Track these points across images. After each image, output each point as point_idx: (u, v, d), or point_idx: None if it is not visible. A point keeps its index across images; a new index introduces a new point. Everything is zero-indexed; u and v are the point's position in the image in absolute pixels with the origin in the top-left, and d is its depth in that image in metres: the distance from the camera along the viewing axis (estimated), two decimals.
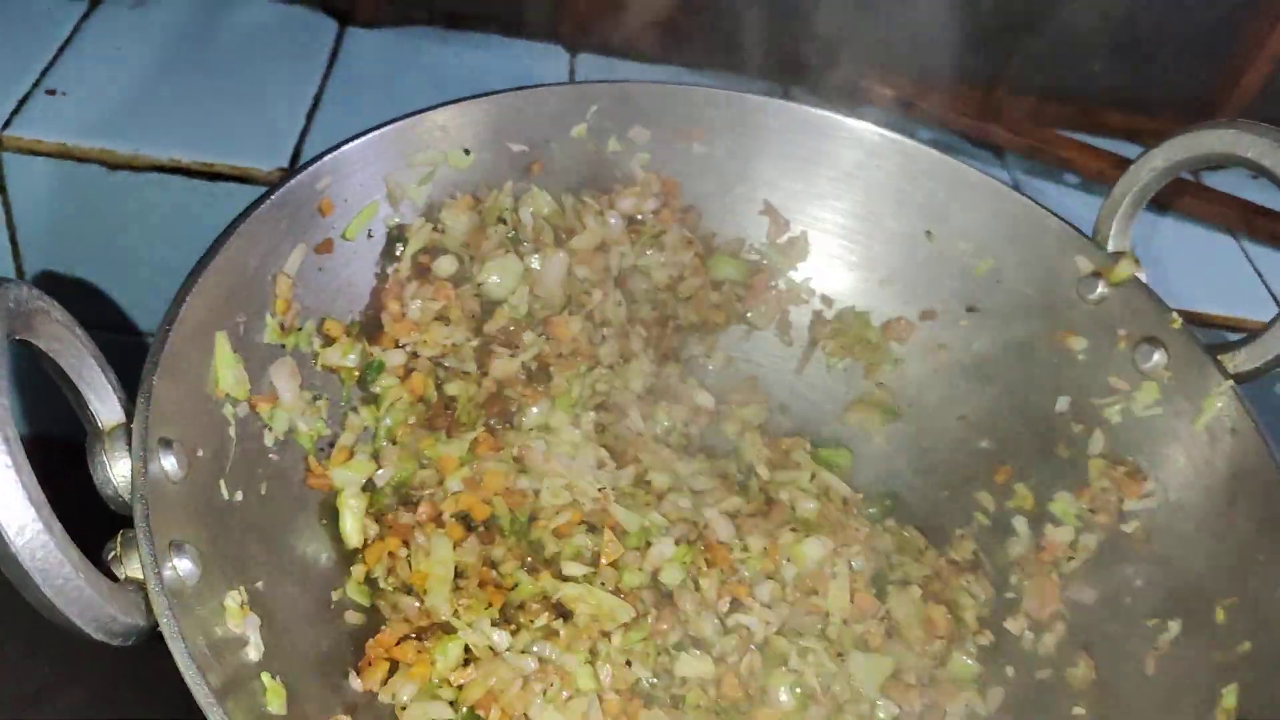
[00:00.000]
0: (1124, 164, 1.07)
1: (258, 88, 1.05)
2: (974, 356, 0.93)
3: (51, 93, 0.99)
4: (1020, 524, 0.87)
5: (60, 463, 0.62)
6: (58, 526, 0.49)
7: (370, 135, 0.82)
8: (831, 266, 0.97)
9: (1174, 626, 0.75)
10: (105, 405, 0.61)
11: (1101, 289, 0.86)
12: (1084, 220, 0.89)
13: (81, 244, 1.00)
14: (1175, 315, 0.82)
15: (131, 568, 0.56)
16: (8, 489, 0.47)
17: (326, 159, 0.79)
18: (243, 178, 0.96)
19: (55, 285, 1.03)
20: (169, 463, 0.62)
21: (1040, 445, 0.88)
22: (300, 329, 0.78)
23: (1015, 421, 0.90)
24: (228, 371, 0.71)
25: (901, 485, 0.93)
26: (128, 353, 1.05)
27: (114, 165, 0.95)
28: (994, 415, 0.92)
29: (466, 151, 0.87)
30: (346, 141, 0.81)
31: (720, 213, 0.97)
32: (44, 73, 1.01)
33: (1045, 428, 0.88)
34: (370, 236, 0.84)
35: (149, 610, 0.54)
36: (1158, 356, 0.83)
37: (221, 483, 0.68)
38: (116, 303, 1.05)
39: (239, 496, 0.69)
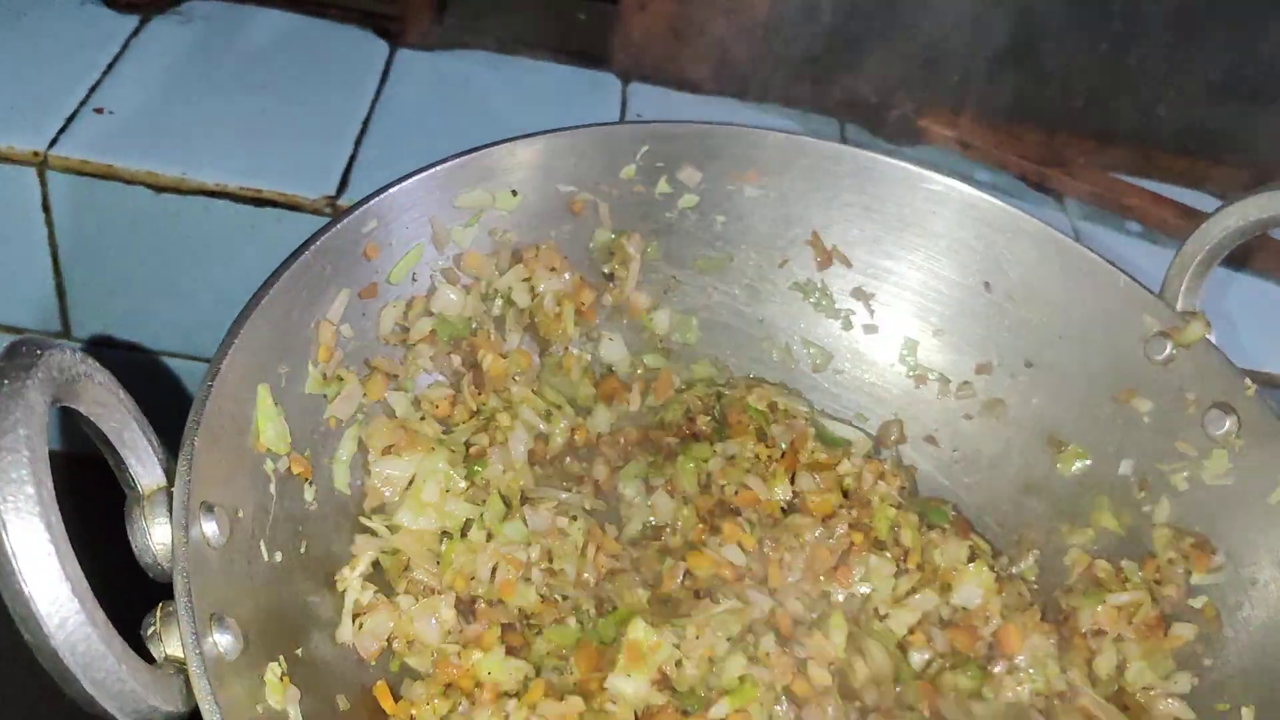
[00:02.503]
0: (1188, 213, 1.05)
1: (307, 110, 1.03)
2: (1031, 413, 0.90)
3: (99, 111, 0.98)
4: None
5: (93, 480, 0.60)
6: (100, 616, 0.46)
7: (416, 177, 0.80)
8: (884, 314, 0.94)
9: (1247, 714, 0.72)
10: (145, 468, 0.58)
11: (1170, 349, 0.83)
12: (1145, 271, 0.87)
13: (123, 264, 0.99)
14: (1249, 382, 0.79)
15: (171, 645, 0.54)
16: (50, 579, 0.44)
17: (372, 203, 0.77)
18: (289, 204, 0.95)
19: (95, 306, 1.02)
20: (210, 528, 0.59)
21: (1101, 510, 0.85)
22: (341, 378, 0.76)
23: (1074, 483, 0.87)
24: (269, 425, 0.68)
25: None
26: (162, 374, 1.06)
27: (159, 187, 0.94)
28: (1051, 476, 0.88)
29: (514, 193, 0.85)
30: (392, 184, 0.78)
31: (772, 256, 0.94)
32: (92, 90, 1.00)
33: (1107, 492, 0.85)
34: (414, 280, 0.82)
35: (189, 694, 0.52)
36: (1229, 423, 0.79)
37: (262, 544, 0.66)
38: (155, 323, 1.04)
39: (279, 558, 0.67)
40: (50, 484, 0.46)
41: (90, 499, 0.61)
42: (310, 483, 0.72)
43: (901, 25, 0.89)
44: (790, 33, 0.93)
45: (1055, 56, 0.92)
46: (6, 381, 0.46)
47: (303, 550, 0.70)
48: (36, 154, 0.92)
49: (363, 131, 1.02)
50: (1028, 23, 0.90)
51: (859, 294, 0.94)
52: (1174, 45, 0.95)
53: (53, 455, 0.48)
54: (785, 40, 0.97)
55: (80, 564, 0.47)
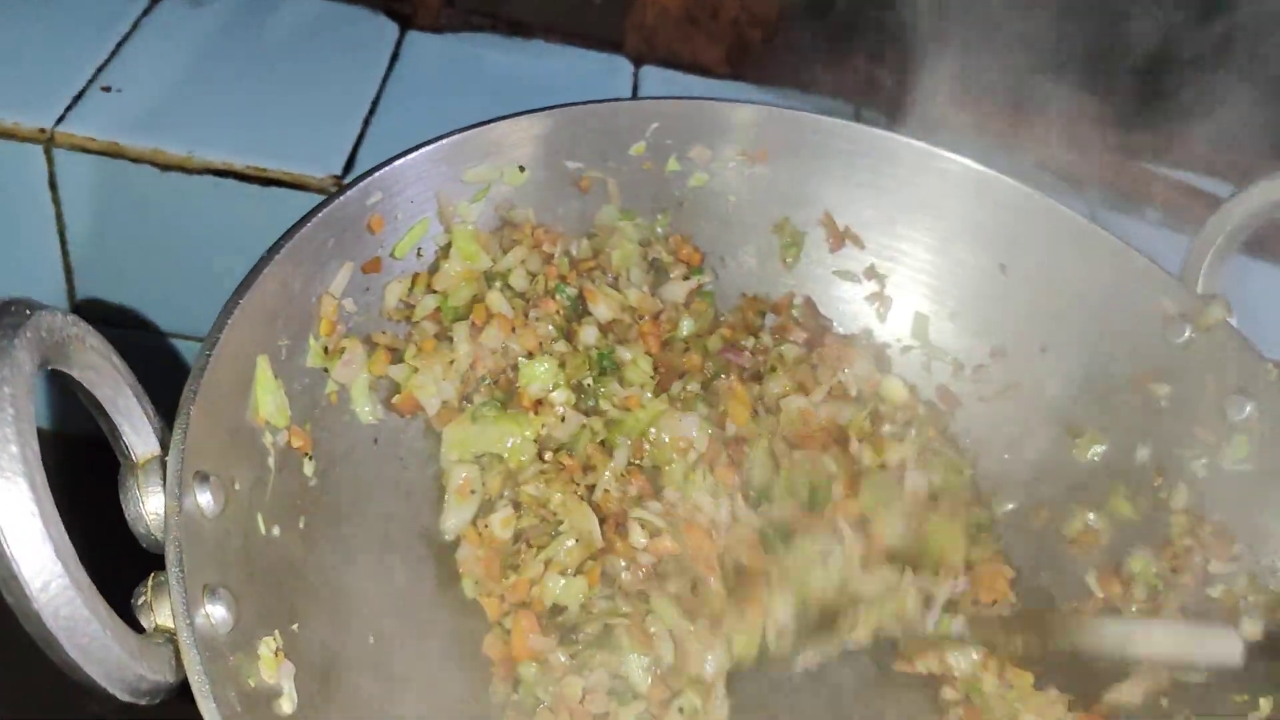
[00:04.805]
0: (1210, 201, 1.03)
1: (315, 90, 1.02)
2: (1047, 398, 0.88)
3: (107, 89, 0.98)
4: (1092, 580, 0.82)
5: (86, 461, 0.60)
6: (85, 580, 0.45)
7: (423, 150, 0.79)
8: (898, 298, 0.92)
9: (1265, 705, 0.70)
10: (140, 436, 0.57)
11: (1189, 333, 0.81)
12: (1164, 257, 0.85)
13: (130, 243, 0.99)
14: (1271, 366, 0.77)
15: (162, 615, 0.53)
16: (33, 541, 0.43)
17: (377, 175, 0.76)
18: (295, 184, 0.94)
19: (102, 286, 1.02)
20: (205, 498, 0.58)
21: (1117, 496, 0.83)
22: (343, 351, 0.75)
23: (1090, 469, 0.85)
24: (268, 398, 0.68)
25: None
26: (170, 355, 1.05)
27: (166, 166, 0.93)
28: (1066, 461, 0.87)
29: (521, 168, 0.84)
30: (398, 156, 0.77)
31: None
32: (100, 69, 0.99)
33: (1123, 478, 0.83)
34: (420, 255, 0.81)
35: (179, 665, 0.51)
36: (1250, 409, 0.78)
37: (259, 516, 0.65)
38: (162, 303, 1.03)
39: (276, 531, 0.66)
40: (36, 445, 0.45)
41: (84, 478, 0.60)
42: (310, 457, 0.71)
43: (917, 8, 0.87)
44: (804, 16, 0.91)
45: (1074, 40, 0.90)
46: None
47: (301, 525, 0.69)
48: (43, 131, 0.92)
49: (371, 112, 1.01)
50: (1046, 6, 0.88)
51: (872, 275, 0.92)
52: (1196, 29, 0.93)
53: (46, 434, 0.47)
54: (799, 23, 0.96)
55: (72, 540, 0.47)
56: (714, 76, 1.13)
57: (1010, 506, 0.88)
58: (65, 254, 0.99)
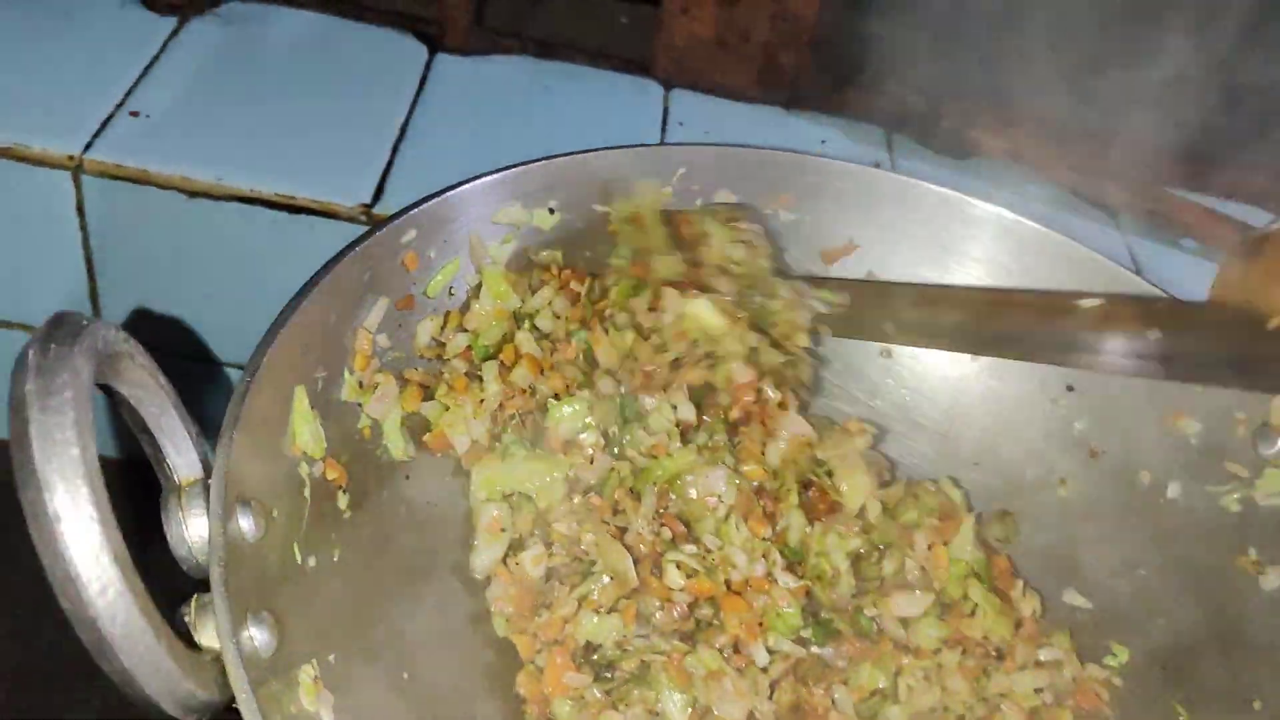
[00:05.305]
0: (1245, 230, 1.03)
1: (344, 114, 1.02)
2: (1075, 436, 0.88)
3: (135, 115, 0.97)
4: None
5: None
6: (141, 589, 0.45)
7: (456, 190, 0.79)
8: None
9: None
10: (183, 459, 0.57)
11: None
12: (1200, 292, 0.85)
13: (156, 270, 0.98)
14: None
15: (206, 635, 0.52)
16: (92, 546, 0.43)
17: (413, 212, 0.77)
18: (324, 212, 0.93)
19: (127, 313, 1.01)
20: (246, 523, 0.58)
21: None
22: (376, 387, 0.75)
23: (1120, 507, 0.85)
24: (305, 428, 0.67)
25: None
26: (196, 381, 1.04)
27: (193, 193, 0.92)
28: (1096, 499, 0.86)
29: (551, 210, 0.85)
30: (432, 196, 0.78)
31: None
32: (128, 93, 0.99)
33: (1154, 515, 0.83)
34: (451, 294, 0.81)
35: (225, 684, 0.50)
36: None
37: (295, 547, 0.64)
38: (189, 330, 1.02)
39: (311, 562, 0.65)
40: (94, 450, 0.45)
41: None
42: (344, 490, 0.70)
43: (951, 34, 0.87)
44: (837, 40, 0.90)
45: (1110, 68, 0.90)
46: (54, 346, 0.45)
47: (335, 558, 0.68)
48: (71, 158, 0.91)
49: (400, 138, 1.01)
50: (1081, 33, 0.89)
51: None
52: (1238, 53, 0.92)
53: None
54: (831, 48, 0.95)
55: None
56: (745, 100, 1.12)
57: (1037, 542, 0.87)
58: (92, 280, 0.99)
